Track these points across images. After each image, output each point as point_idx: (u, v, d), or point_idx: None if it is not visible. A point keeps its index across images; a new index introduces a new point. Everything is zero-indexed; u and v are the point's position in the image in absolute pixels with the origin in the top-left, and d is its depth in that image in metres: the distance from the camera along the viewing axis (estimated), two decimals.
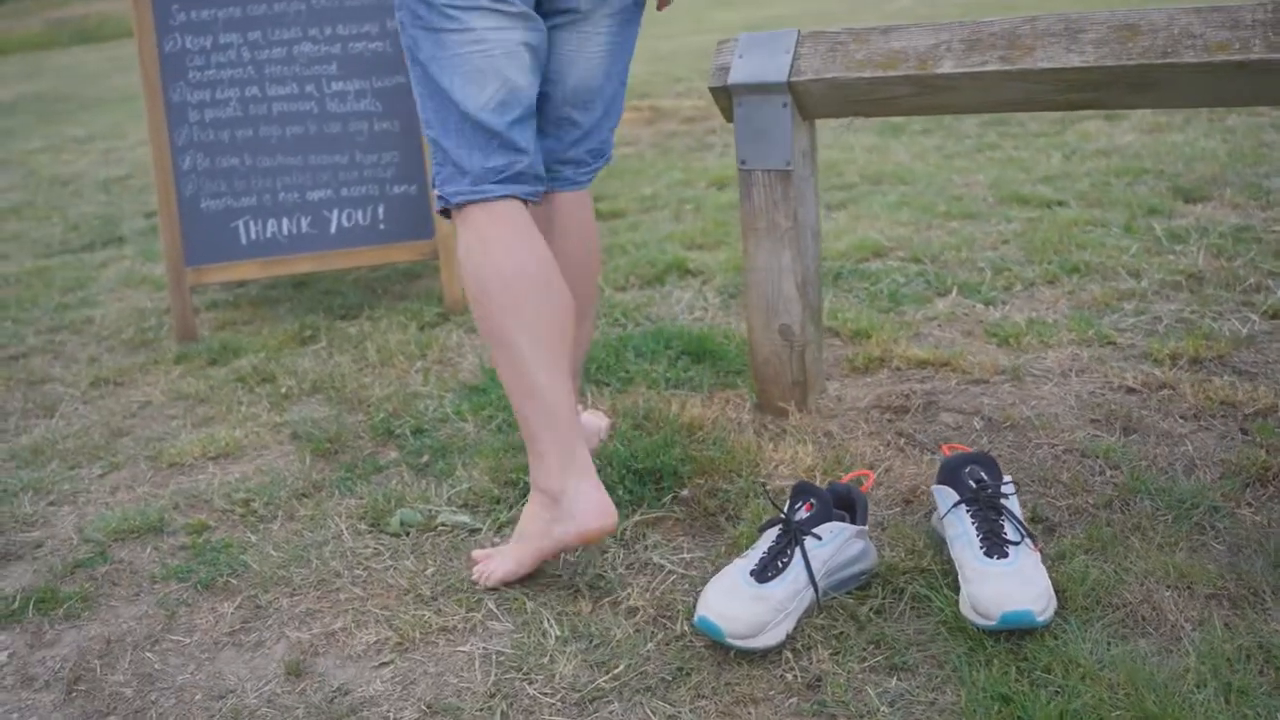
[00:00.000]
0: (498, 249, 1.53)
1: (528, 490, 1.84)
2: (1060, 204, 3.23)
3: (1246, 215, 2.97)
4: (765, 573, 1.41)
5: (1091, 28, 1.69)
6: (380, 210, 2.85)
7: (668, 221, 3.52)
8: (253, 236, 2.82)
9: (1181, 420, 1.86)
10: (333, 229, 2.84)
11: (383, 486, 1.92)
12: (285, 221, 2.83)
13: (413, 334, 2.67)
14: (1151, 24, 1.65)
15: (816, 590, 1.43)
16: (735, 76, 1.85)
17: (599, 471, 1.83)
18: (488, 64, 1.53)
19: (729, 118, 1.92)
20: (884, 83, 1.77)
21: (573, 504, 1.52)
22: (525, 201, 1.60)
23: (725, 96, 1.88)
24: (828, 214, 3.40)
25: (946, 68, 1.73)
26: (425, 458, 2.02)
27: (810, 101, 1.84)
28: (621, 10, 1.67)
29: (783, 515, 1.48)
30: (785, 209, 1.89)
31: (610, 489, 1.78)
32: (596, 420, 1.98)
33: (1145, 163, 3.60)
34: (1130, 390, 1.99)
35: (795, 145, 1.86)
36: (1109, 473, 1.71)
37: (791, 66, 1.82)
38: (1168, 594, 1.41)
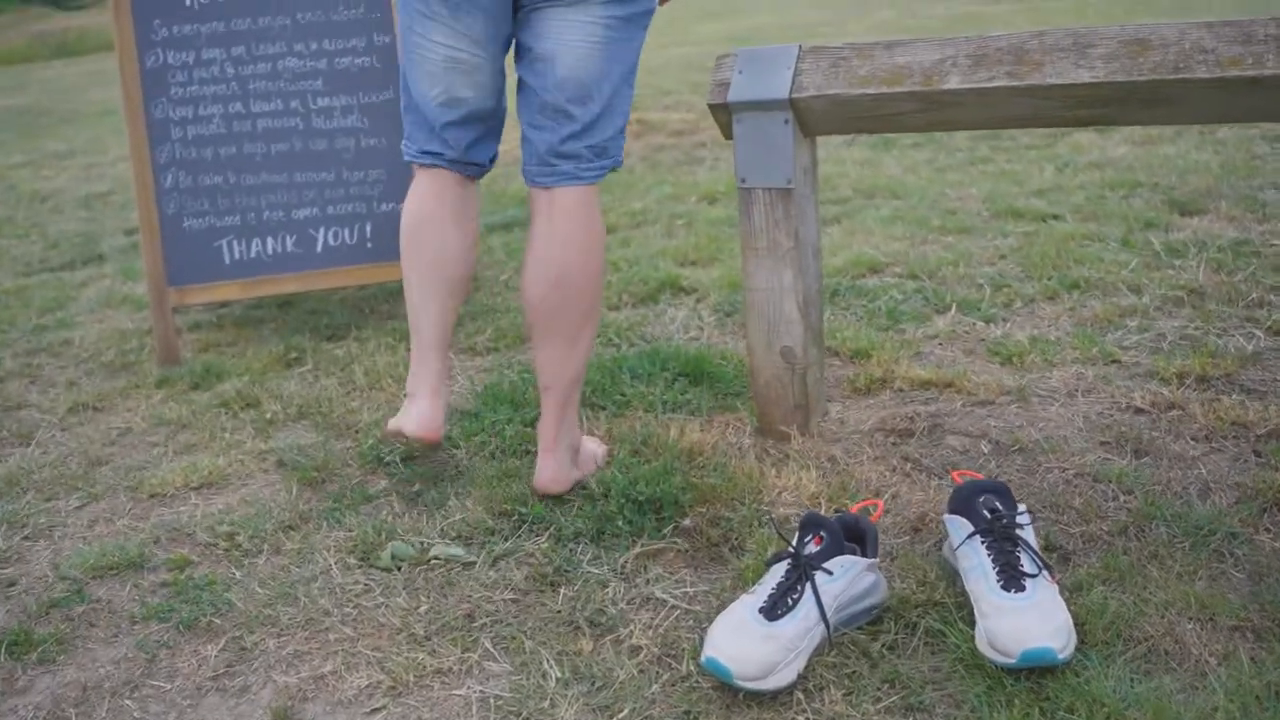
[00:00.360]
0: (412, 200, 1.91)
1: (522, 521, 1.78)
2: (1055, 218, 3.19)
3: (1243, 229, 2.94)
4: (775, 610, 1.35)
5: (1101, 42, 1.65)
6: (367, 228, 2.79)
7: (659, 237, 3.47)
8: (236, 256, 2.76)
9: (1193, 442, 1.82)
10: (319, 248, 2.78)
11: (372, 518, 1.85)
12: (270, 241, 2.77)
13: (401, 355, 2.60)
14: (1163, 39, 1.61)
15: (828, 627, 1.37)
16: (735, 93, 1.80)
17: (598, 500, 1.78)
18: (435, 69, 1.80)
19: (728, 135, 1.87)
20: (888, 99, 1.72)
21: (408, 406, 1.91)
22: (454, 171, 1.89)
23: (724, 113, 1.83)
24: (822, 229, 3.35)
25: (952, 83, 1.68)
26: (416, 486, 1.95)
27: (812, 118, 1.79)
28: (619, 4, 1.70)
29: (791, 549, 1.42)
30: (786, 228, 1.84)
31: (609, 519, 1.72)
32: (594, 447, 1.92)
33: (1139, 175, 3.57)
34: (1139, 411, 1.94)
35: (797, 163, 1.81)
36: (1122, 498, 1.67)
37: (793, 83, 1.77)
38: (1190, 626, 1.36)
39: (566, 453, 1.83)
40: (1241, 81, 1.55)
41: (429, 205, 1.89)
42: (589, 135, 1.75)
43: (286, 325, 2.96)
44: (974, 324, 2.43)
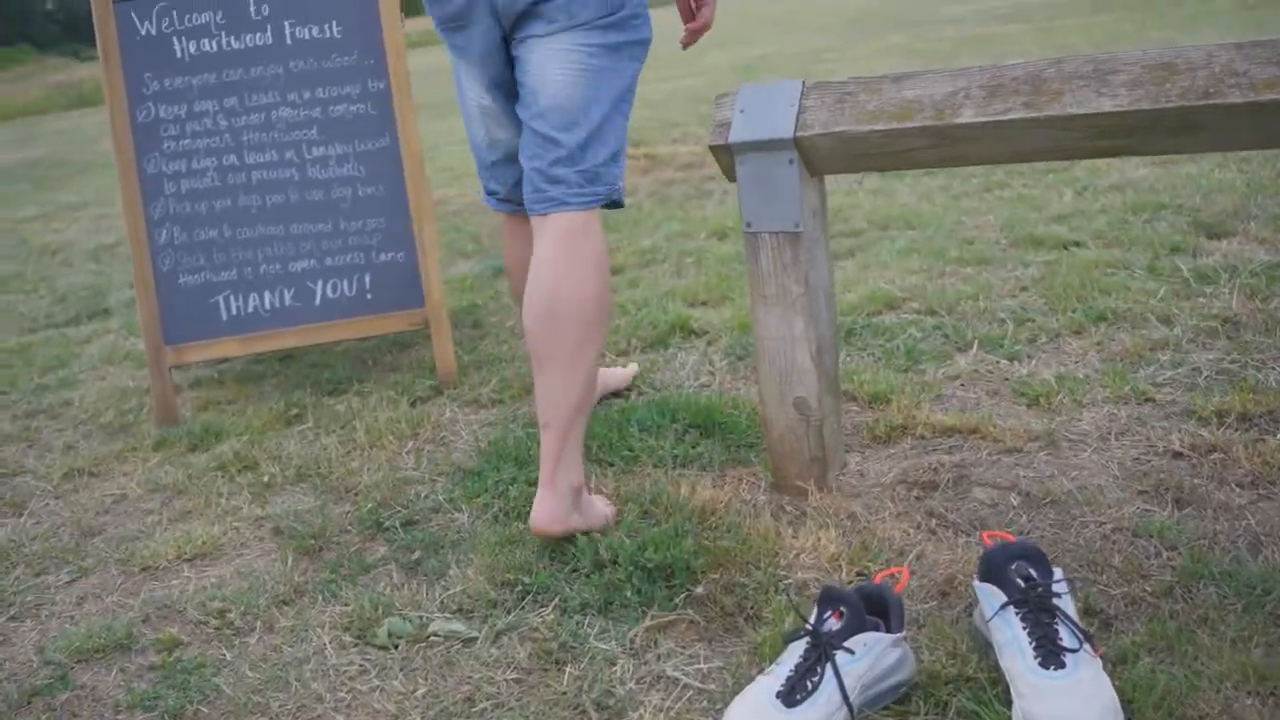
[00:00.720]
0: (505, 254, 2.20)
1: (526, 592, 1.69)
2: (1077, 244, 3.09)
3: (1276, 250, 2.83)
4: (793, 694, 1.25)
5: (1123, 68, 1.55)
6: (367, 279, 2.72)
7: (668, 276, 3.39)
8: (234, 312, 2.69)
9: (1238, 489, 1.71)
10: (317, 300, 2.71)
11: (370, 589, 1.76)
12: (267, 295, 2.70)
13: (403, 410, 2.52)
14: (1189, 62, 1.51)
15: (851, 711, 1.27)
16: (737, 134, 1.72)
17: (605, 567, 1.68)
18: (474, 112, 2.01)
19: (731, 177, 1.79)
20: (899, 135, 1.63)
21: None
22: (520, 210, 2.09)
23: (726, 155, 1.75)
24: (835, 264, 3.26)
25: (966, 117, 1.59)
26: (416, 554, 1.86)
27: (818, 157, 1.70)
28: (600, 33, 1.76)
29: (809, 626, 1.32)
30: (796, 273, 1.75)
31: (618, 589, 1.63)
32: (603, 507, 1.83)
33: (1162, 197, 3.46)
34: (1177, 455, 1.83)
35: (804, 204, 1.72)
36: (1165, 554, 1.55)
37: (797, 120, 1.68)
38: (1249, 702, 1.25)
39: (567, 494, 1.74)
40: (1275, 106, 1.45)
41: (514, 254, 2.16)
42: (577, 161, 1.77)
43: (288, 380, 2.88)
44: (997, 362, 2.33)
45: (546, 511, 1.73)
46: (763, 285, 1.78)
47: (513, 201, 2.13)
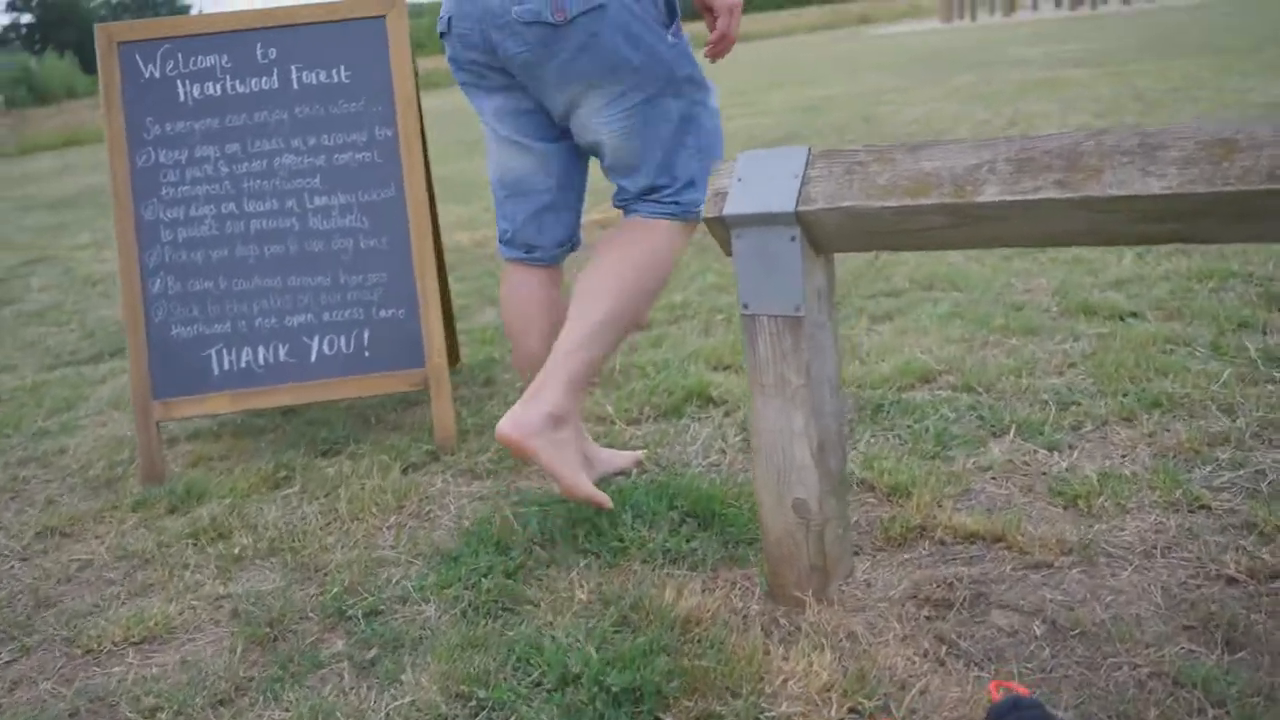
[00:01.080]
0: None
1: (480, 707, 1.51)
2: (1134, 315, 2.85)
3: None
4: None
5: (1175, 143, 1.35)
6: (365, 336, 2.58)
7: (696, 335, 3.21)
8: (226, 366, 2.57)
9: None
10: (313, 357, 2.58)
11: (315, 693, 1.60)
12: (261, 350, 2.57)
13: (393, 479, 2.37)
14: (1253, 139, 1.31)
15: None
16: (733, 205, 1.54)
17: (569, 684, 1.50)
18: (492, 146, 2.05)
19: (728, 251, 1.61)
20: (913, 212, 1.44)
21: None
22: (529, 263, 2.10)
23: (722, 228, 1.57)
24: (871, 327, 3.06)
25: (990, 194, 1.40)
26: (373, 651, 1.70)
27: (824, 234, 1.52)
28: (637, 91, 1.86)
29: None
30: (796, 362, 1.56)
31: (578, 712, 1.44)
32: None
33: (1231, 263, 3.20)
34: (1232, 580, 1.60)
35: (807, 285, 1.53)
36: (1211, 712, 1.33)
37: (800, 193, 1.50)
38: None
39: (541, 415, 1.80)
40: None
41: (513, 307, 2.14)
42: (650, 194, 1.96)
43: (285, 436, 2.75)
44: (1035, 451, 2.11)
45: (513, 418, 1.80)
46: (760, 373, 1.60)
47: (518, 245, 2.09)
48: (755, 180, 1.55)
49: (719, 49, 1.95)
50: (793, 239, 1.52)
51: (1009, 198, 1.39)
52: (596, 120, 1.90)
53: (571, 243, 2.13)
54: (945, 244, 1.49)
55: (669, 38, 1.91)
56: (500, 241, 2.13)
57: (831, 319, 1.61)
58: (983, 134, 6.37)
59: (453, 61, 2.00)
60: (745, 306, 1.58)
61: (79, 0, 58.13)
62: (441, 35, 1.99)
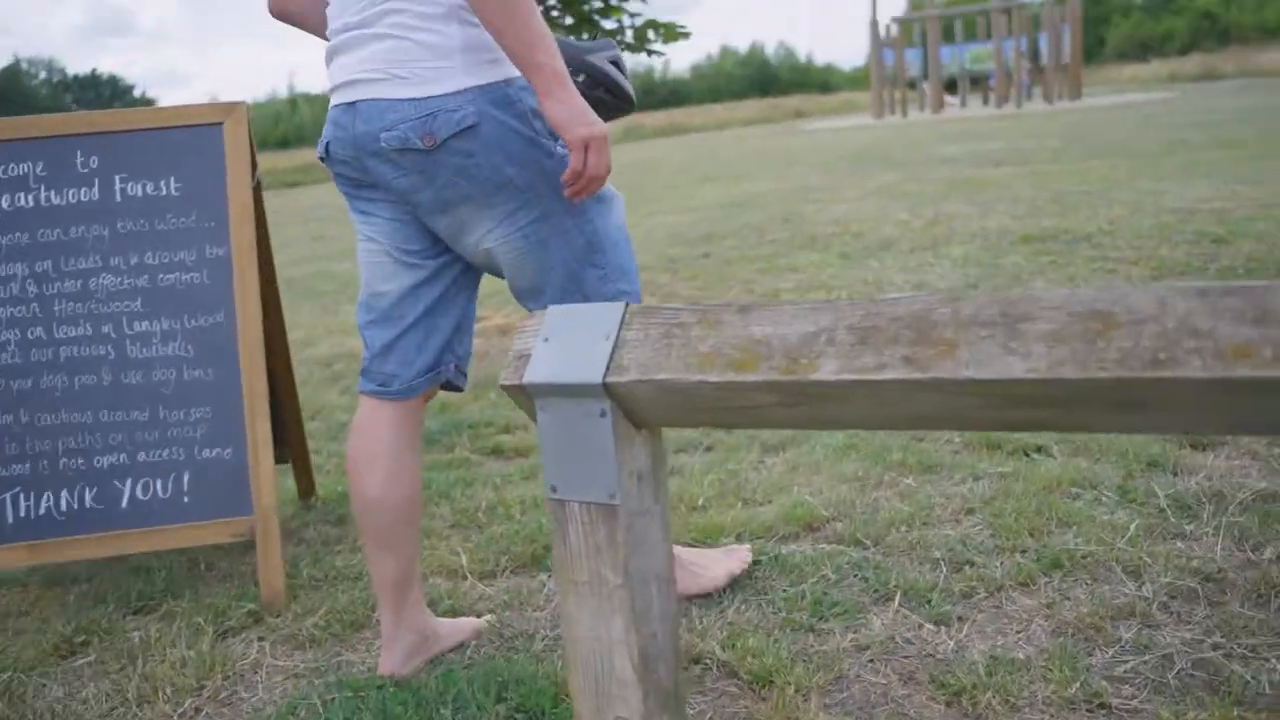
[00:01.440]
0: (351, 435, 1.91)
1: None
2: (1040, 450, 2.66)
3: (1270, 472, 2.39)
4: None
5: (1042, 315, 1.13)
6: (185, 479, 2.29)
7: None
8: (21, 514, 2.26)
9: None
10: (124, 503, 2.28)
11: None
12: (64, 495, 2.27)
13: (202, 648, 2.06)
14: (1132, 311, 1.09)
15: None
16: (535, 372, 1.30)
17: None
18: (364, 268, 1.84)
19: (535, 419, 1.37)
20: (738, 389, 1.21)
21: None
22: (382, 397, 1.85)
23: (524, 397, 1.33)
24: (762, 459, 2.83)
25: (827, 371, 1.17)
26: None
27: (639, 408, 1.29)
28: (526, 211, 1.71)
29: None
30: (612, 557, 1.31)
31: None
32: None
33: None
34: None
35: (623, 468, 1.29)
36: None
37: (610, 360, 1.27)
38: None
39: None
40: (1253, 384, 1.03)
41: (362, 445, 1.90)
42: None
43: (98, 586, 2.43)
44: (920, 626, 1.87)
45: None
46: (571, 569, 1.34)
47: (372, 377, 1.85)
48: (563, 341, 1.31)
49: (577, 189, 1.68)
50: (603, 414, 1.28)
51: (849, 376, 1.17)
52: (489, 241, 1.75)
53: (436, 371, 1.85)
54: (781, 424, 1.27)
55: (556, 149, 1.69)
56: (361, 373, 1.88)
57: (660, 503, 1.37)
58: (903, 235, 6.28)
59: (335, 179, 1.82)
60: (553, 490, 1.33)
61: (19, 76, 57.57)
62: (321, 159, 1.80)
